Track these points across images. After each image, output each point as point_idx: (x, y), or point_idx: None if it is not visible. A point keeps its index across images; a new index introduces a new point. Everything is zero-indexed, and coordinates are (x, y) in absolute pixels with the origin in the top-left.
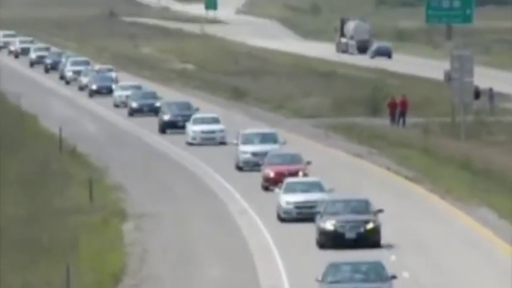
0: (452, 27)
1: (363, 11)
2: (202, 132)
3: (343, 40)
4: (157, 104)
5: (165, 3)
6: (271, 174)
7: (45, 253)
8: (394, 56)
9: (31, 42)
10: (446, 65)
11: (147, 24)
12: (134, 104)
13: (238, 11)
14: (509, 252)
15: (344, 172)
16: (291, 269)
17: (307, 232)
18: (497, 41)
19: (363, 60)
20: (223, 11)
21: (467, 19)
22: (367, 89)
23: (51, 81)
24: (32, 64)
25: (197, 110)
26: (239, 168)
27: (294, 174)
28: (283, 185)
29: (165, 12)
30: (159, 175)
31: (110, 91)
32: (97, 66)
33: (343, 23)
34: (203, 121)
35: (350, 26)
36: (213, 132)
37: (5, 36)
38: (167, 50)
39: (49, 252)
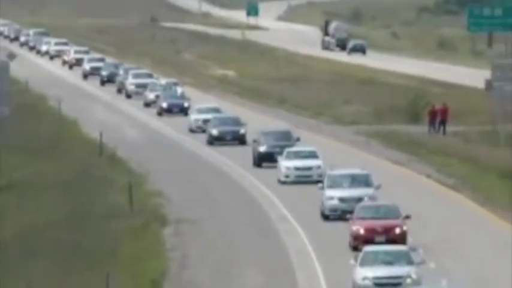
0: (493, 35)
1: (405, 17)
2: (297, 168)
3: (326, 38)
4: (242, 131)
5: (207, 9)
6: (361, 231)
7: (85, 258)
8: (436, 64)
9: (86, 52)
10: (487, 74)
11: (188, 30)
12: (215, 131)
13: (280, 18)
14: None
15: (384, 179)
16: None
17: None
18: None
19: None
20: (264, 18)
21: (509, 27)
22: (407, 97)
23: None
24: (86, 76)
25: (298, 140)
26: (325, 217)
27: (390, 231)
28: (360, 255)
29: (206, 18)
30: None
31: (181, 110)
32: (163, 80)
33: (327, 23)
34: (298, 155)
35: (331, 26)
36: (309, 168)
37: (57, 44)
38: (208, 56)
39: (89, 257)
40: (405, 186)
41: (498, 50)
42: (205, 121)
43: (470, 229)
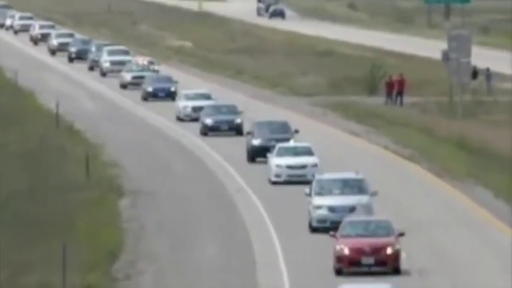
0: (450, 7)
1: None
2: (289, 167)
3: (260, 5)
4: (239, 121)
5: None
6: (346, 251)
7: (42, 229)
8: (394, 36)
9: (52, 27)
10: (444, 45)
11: (145, 1)
12: (209, 121)
13: None
14: (505, 231)
15: (341, 150)
16: None
17: None
18: (495, 20)
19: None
20: None
21: None
22: (365, 68)
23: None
24: (54, 52)
25: (296, 132)
26: (313, 229)
27: (380, 251)
28: None
29: None
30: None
31: (168, 94)
32: (140, 59)
33: None
34: (290, 152)
35: None
36: (303, 167)
37: (22, 18)
38: (164, 27)
39: (46, 228)
40: (363, 157)
41: (455, 22)
42: (195, 108)
43: (427, 200)
